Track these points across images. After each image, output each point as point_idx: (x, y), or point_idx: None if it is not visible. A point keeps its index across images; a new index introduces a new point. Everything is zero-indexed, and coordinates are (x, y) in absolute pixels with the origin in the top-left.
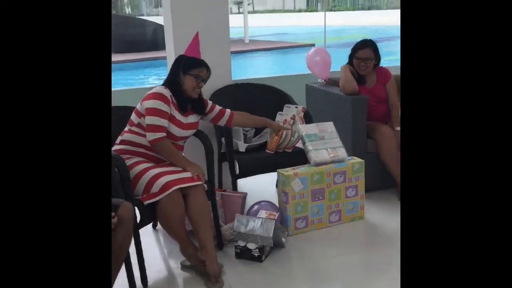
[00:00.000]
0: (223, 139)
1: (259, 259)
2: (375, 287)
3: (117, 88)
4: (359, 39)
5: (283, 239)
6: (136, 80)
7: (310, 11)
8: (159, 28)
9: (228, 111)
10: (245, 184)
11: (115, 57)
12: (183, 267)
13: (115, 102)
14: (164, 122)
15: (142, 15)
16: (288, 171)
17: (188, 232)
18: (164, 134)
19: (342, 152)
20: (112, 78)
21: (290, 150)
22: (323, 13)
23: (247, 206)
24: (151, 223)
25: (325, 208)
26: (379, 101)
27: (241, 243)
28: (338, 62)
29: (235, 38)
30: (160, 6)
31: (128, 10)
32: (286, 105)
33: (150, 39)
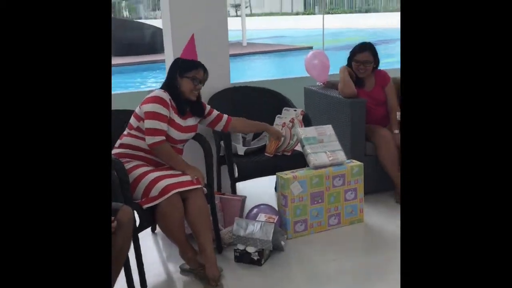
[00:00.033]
0: (222, 143)
1: (258, 263)
2: None
3: (116, 91)
4: (357, 42)
5: (282, 243)
6: (133, 84)
7: (308, 14)
8: (157, 31)
9: (225, 116)
10: (244, 187)
11: (113, 60)
12: (183, 270)
13: (114, 105)
14: (163, 126)
15: (140, 18)
16: (287, 174)
17: (187, 236)
18: (164, 137)
19: (341, 155)
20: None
21: (289, 153)
22: (320, 16)
23: (246, 210)
24: (150, 227)
25: (324, 211)
26: (378, 104)
27: (241, 247)
28: (336, 65)
29: (233, 41)
30: (158, 9)
31: (126, 13)
32: (285, 108)
33: (148, 42)
